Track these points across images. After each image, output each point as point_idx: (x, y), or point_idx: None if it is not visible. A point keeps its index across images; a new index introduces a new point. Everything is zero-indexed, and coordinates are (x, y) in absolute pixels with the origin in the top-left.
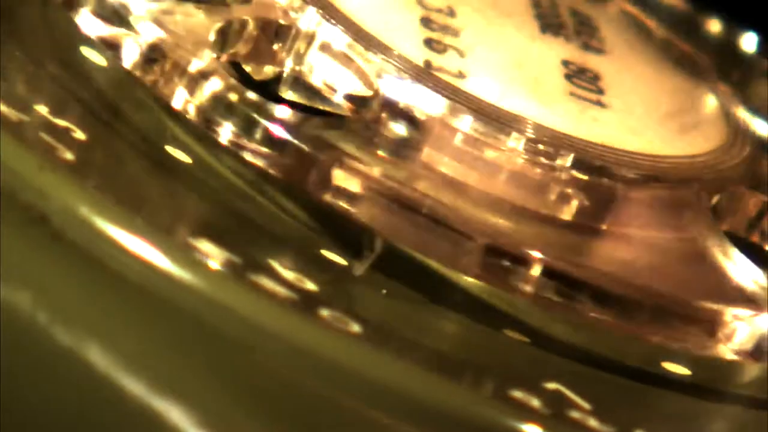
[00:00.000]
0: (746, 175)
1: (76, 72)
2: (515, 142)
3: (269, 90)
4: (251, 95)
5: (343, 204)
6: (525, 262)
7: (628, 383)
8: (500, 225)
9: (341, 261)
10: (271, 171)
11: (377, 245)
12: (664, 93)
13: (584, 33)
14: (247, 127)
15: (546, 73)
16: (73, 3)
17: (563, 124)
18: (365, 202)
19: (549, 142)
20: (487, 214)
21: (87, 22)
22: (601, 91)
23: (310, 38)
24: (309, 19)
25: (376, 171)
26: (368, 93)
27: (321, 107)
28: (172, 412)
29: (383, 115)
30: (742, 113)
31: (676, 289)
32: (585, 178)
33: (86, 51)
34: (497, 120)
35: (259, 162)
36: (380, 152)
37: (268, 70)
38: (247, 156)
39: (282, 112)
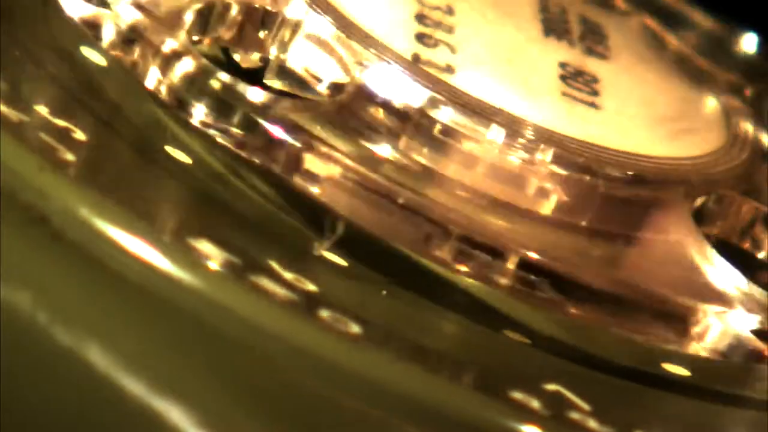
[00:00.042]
0: (740, 181)
1: (76, 72)
2: (495, 134)
3: (248, 74)
4: (223, 77)
5: (307, 186)
6: (499, 254)
7: (628, 384)
8: (475, 216)
9: (341, 262)
10: (242, 153)
11: (339, 228)
12: (663, 99)
13: (590, 39)
14: (219, 109)
15: (539, 73)
16: None
17: (549, 120)
18: (330, 184)
19: (529, 136)
20: (463, 204)
21: (68, 2)
22: (595, 93)
23: (295, 26)
24: (296, 8)
25: (344, 155)
26: (345, 80)
27: (297, 93)
28: (172, 412)
29: (359, 101)
30: (749, 125)
31: (649, 284)
32: (564, 173)
33: (86, 51)
34: (477, 112)
35: (230, 143)
36: (353, 138)
37: (256, 58)
38: (218, 138)
39: (254, 94)
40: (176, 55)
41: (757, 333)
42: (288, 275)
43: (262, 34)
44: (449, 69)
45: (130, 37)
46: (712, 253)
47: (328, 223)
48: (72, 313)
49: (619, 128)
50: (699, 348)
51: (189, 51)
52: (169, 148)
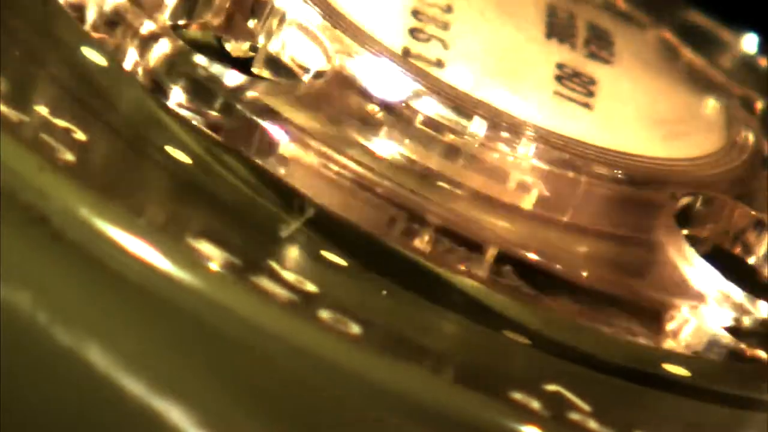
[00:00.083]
0: (734, 185)
1: (76, 72)
2: (477, 127)
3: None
4: (199, 59)
5: (277, 168)
6: (475, 245)
7: (628, 385)
8: (454, 207)
9: (342, 262)
10: (216, 136)
11: (308, 211)
12: (663, 103)
13: (595, 44)
14: (194, 91)
15: (533, 71)
16: None
17: (537, 117)
18: (300, 168)
19: (511, 129)
20: (441, 195)
21: None
22: (590, 94)
23: (283, 16)
24: None
25: (317, 140)
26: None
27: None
28: (172, 412)
29: (339, 89)
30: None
31: (624, 280)
32: (546, 168)
33: (87, 51)
34: (460, 104)
35: (204, 126)
36: (328, 123)
37: (246, 47)
38: (194, 120)
39: (229, 76)
40: (154, 37)
41: (733, 331)
42: (288, 275)
43: (251, 23)
44: (439, 63)
45: (112, 20)
46: (691, 253)
47: (296, 205)
48: (72, 313)
49: (609, 127)
50: (674, 344)
51: (167, 33)
52: (168, 148)
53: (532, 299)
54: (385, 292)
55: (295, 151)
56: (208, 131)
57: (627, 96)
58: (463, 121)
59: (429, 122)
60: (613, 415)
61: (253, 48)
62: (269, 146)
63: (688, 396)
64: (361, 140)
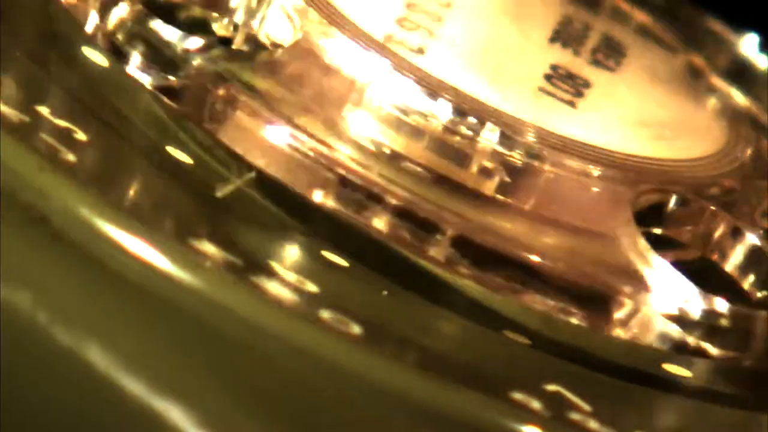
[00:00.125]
0: (718, 190)
1: (77, 72)
2: (441, 109)
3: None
4: (156, 23)
5: (221, 131)
6: (430, 226)
7: (629, 385)
8: (410, 188)
9: (343, 262)
10: (170, 102)
11: (247, 175)
12: (657, 109)
13: (602, 53)
14: (151, 55)
15: (521, 68)
16: None
17: (508, 106)
18: (243, 131)
19: (477, 115)
20: (400, 175)
21: None
22: (579, 95)
23: None
24: None
25: (269, 109)
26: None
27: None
28: (172, 412)
29: (302, 63)
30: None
31: (576, 268)
32: (509, 154)
33: (87, 51)
34: (426, 87)
35: (157, 90)
36: (284, 93)
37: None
38: (148, 84)
39: (184, 40)
40: (114, 1)
41: (682, 323)
42: (289, 275)
43: (233, 2)
44: (420, 51)
45: None
46: (646, 247)
47: (234, 168)
48: (72, 313)
49: (589, 124)
50: (621, 333)
51: None
52: (169, 148)
53: (484, 282)
54: (385, 293)
55: (243, 117)
56: (161, 95)
57: (619, 99)
58: (429, 104)
59: (393, 102)
60: (614, 415)
61: (235, 26)
62: (219, 111)
63: (689, 396)
64: (316, 112)
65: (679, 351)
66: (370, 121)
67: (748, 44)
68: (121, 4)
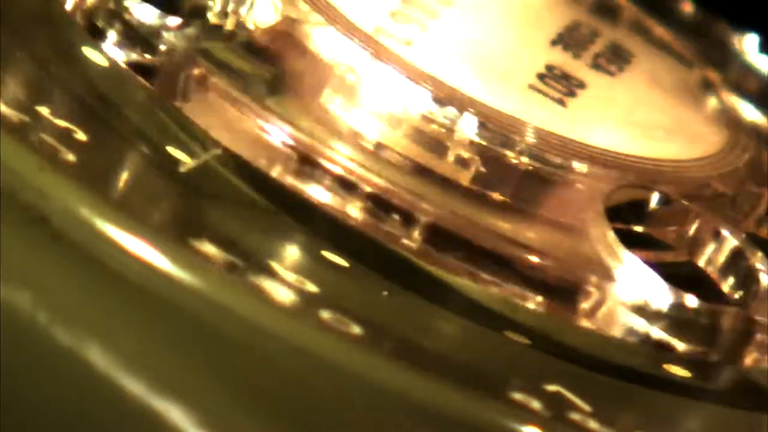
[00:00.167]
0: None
1: (77, 72)
2: (419, 99)
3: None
4: (131, 2)
5: (188, 108)
6: (402, 212)
7: (629, 385)
8: (386, 175)
9: (343, 262)
10: (142, 80)
11: (212, 152)
12: (652, 112)
13: (606, 58)
14: (127, 34)
15: (514, 66)
16: None
17: (492, 99)
18: (210, 109)
19: (456, 105)
20: (375, 162)
21: None
22: (571, 94)
23: None
24: None
25: (238, 89)
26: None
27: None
28: (172, 412)
29: (281, 47)
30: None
31: (545, 259)
32: (485, 144)
33: (87, 51)
34: (405, 75)
35: (132, 67)
36: (263, 76)
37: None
38: (122, 61)
39: (165, 20)
40: None
41: (646, 315)
42: (289, 276)
43: None
44: (407, 42)
45: None
46: (616, 242)
47: (199, 144)
48: (72, 313)
49: (575, 121)
50: (588, 324)
51: None
52: (169, 148)
53: (458, 271)
54: (385, 293)
55: (214, 96)
56: (135, 73)
57: (614, 101)
58: (405, 92)
59: (371, 89)
60: (614, 415)
61: (225, 12)
62: (191, 90)
63: (689, 396)
64: (290, 95)
65: (645, 344)
66: (346, 107)
67: (748, 45)
68: None
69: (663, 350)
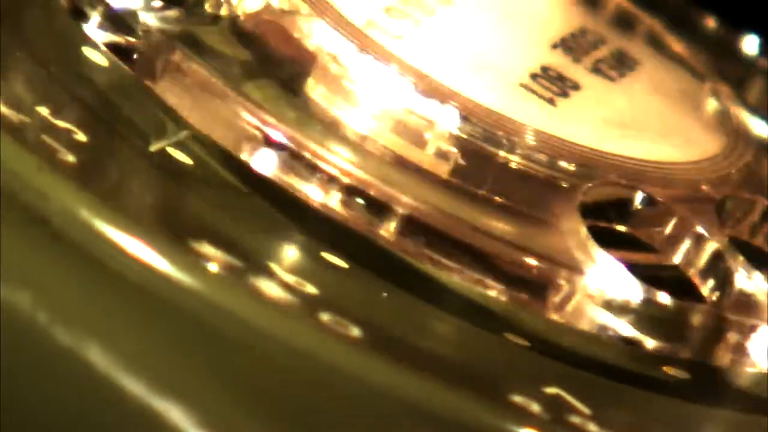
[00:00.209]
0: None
1: (77, 73)
2: (401, 91)
3: None
4: None
5: (160, 88)
6: (385, 208)
7: (628, 388)
8: (363, 166)
9: (342, 264)
10: (119, 60)
11: (182, 133)
12: (646, 113)
13: (607, 63)
14: (109, 16)
15: (507, 65)
16: None
17: (477, 94)
18: (180, 89)
19: (436, 96)
20: (351, 152)
21: None
22: (564, 95)
23: None
24: None
25: (211, 70)
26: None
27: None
28: (172, 412)
29: (265, 32)
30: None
31: (517, 253)
32: (466, 138)
33: (88, 52)
34: (388, 67)
35: (110, 48)
36: (243, 61)
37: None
38: (101, 42)
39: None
40: None
41: (616, 310)
42: (288, 277)
43: None
44: (398, 37)
45: None
46: (588, 238)
47: (169, 124)
48: (72, 313)
49: (562, 119)
50: (558, 318)
51: None
52: (169, 148)
53: (433, 263)
54: (385, 294)
55: (191, 78)
56: (112, 54)
57: (608, 103)
58: (386, 82)
59: (354, 79)
60: (613, 418)
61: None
62: (168, 71)
63: (688, 399)
64: (268, 81)
65: (614, 339)
66: (327, 96)
67: (748, 45)
68: None
69: (632, 346)
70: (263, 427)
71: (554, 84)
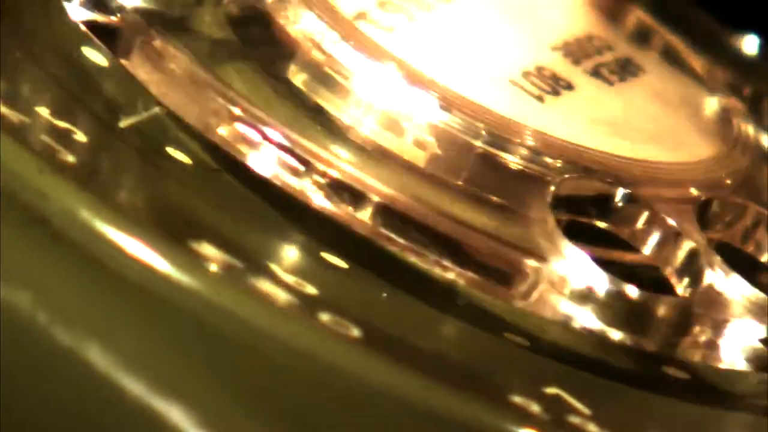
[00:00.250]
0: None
1: (77, 73)
2: (381, 80)
3: None
4: None
5: (134, 68)
6: (361, 196)
7: (628, 388)
8: (340, 155)
9: (342, 264)
10: (96, 39)
11: (151, 109)
12: (641, 116)
13: (608, 68)
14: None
15: (497, 61)
16: None
17: (462, 87)
18: (158, 71)
19: (416, 85)
20: (328, 141)
21: None
22: (554, 93)
23: None
24: None
25: (202, 55)
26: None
27: None
28: (172, 412)
29: (243, 16)
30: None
31: (488, 241)
32: (444, 128)
33: (88, 52)
34: (369, 56)
35: (88, 27)
36: (226, 44)
37: None
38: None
39: None
40: None
41: (582, 301)
42: (288, 277)
43: None
44: (388, 30)
45: None
46: (555, 229)
47: (142, 102)
48: (72, 313)
49: (548, 116)
50: (523, 305)
51: None
52: (169, 149)
53: (404, 249)
54: (385, 295)
55: (168, 59)
56: (91, 34)
57: (601, 104)
58: (365, 71)
59: (339, 70)
60: (613, 418)
61: None
62: (146, 52)
63: (688, 400)
64: (248, 66)
65: (579, 330)
66: (307, 82)
67: (748, 45)
68: None
69: (598, 337)
70: (263, 427)
71: (545, 82)
